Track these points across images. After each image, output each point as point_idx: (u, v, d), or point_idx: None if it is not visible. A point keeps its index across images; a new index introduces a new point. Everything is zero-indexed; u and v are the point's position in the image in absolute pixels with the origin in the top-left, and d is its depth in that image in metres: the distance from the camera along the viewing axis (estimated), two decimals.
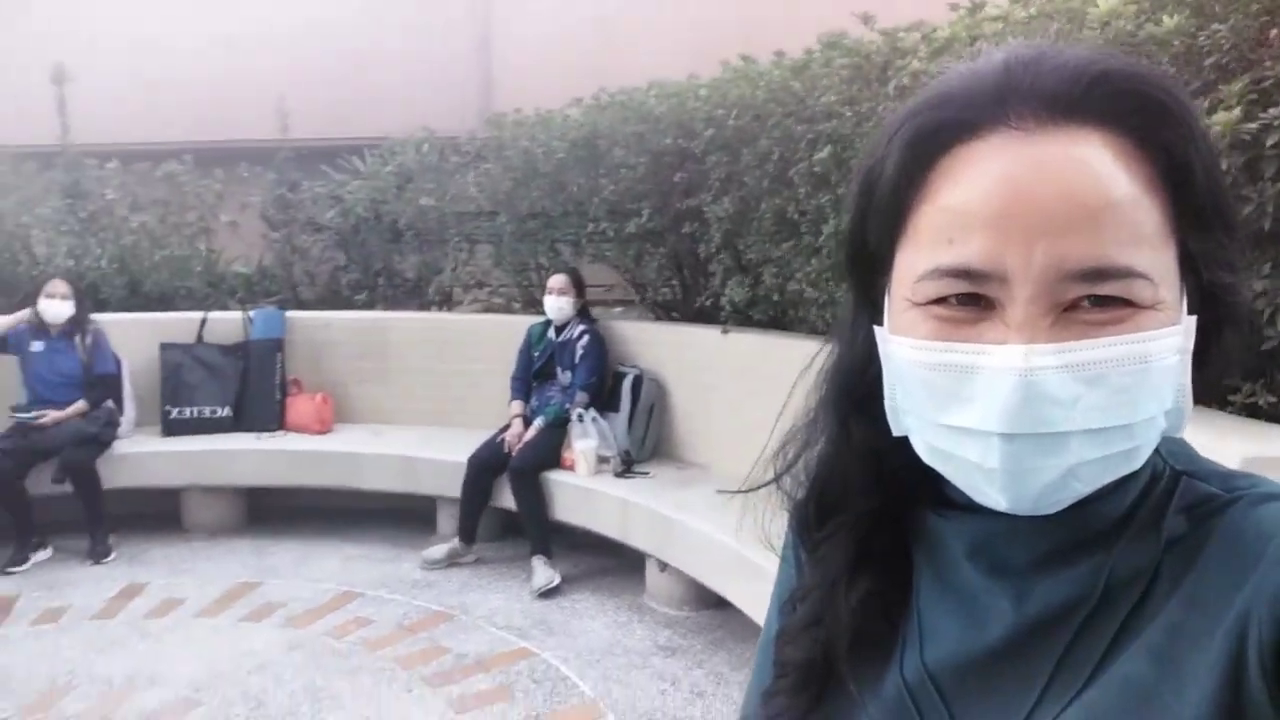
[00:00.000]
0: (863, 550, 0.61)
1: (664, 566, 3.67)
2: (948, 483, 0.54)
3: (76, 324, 4.57)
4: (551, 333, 4.45)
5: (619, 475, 4.03)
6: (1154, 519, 0.52)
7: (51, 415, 4.37)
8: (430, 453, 4.48)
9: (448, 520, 4.42)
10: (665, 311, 4.83)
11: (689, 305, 4.55)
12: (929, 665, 0.57)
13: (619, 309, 5.23)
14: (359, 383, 5.16)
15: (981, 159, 0.48)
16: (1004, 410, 0.46)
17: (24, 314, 4.51)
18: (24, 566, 4.18)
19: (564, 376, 4.38)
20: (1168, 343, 0.48)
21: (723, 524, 3.26)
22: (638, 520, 3.74)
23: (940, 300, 0.49)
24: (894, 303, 0.53)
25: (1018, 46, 0.51)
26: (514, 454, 4.13)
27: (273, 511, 4.85)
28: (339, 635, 3.52)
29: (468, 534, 4.22)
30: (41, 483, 4.26)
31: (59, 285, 4.58)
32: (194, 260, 5.75)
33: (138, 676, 3.17)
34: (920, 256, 0.50)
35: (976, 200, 0.47)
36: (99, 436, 4.46)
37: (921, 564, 0.61)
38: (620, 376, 4.30)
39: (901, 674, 0.58)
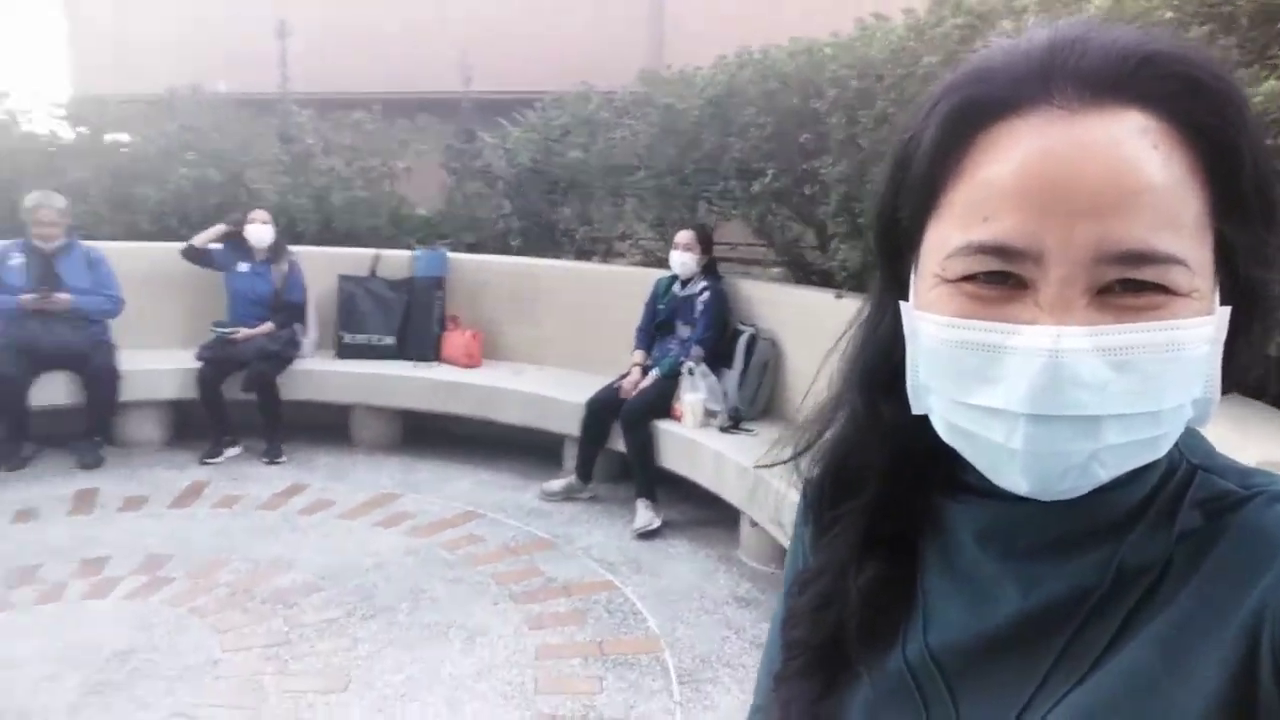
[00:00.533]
0: (873, 533, 0.62)
1: (754, 522, 3.78)
2: (963, 466, 0.54)
3: (275, 253, 5.23)
4: (676, 287, 4.60)
5: (724, 430, 4.15)
6: (1168, 512, 0.52)
7: (244, 332, 5.05)
8: (561, 393, 4.77)
9: (572, 457, 4.72)
10: (787, 272, 4.84)
11: (809, 268, 4.54)
12: (932, 647, 0.57)
13: (745, 268, 5.28)
14: (509, 323, 5.55)
15: (1022, 136, 0.47)
16: (1032, 391, 0.46)
17: (219, 229, 5.19)
18: (218, 459, 4.90)
19: (683, 330, 4.52)
20: (1200, 332, 0.47)
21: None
22: (730, 475, 3.85)
23: (970, 278, 0.49)
24: (922, 279, 0.53)
25: (1064, 24, 0.50)
26: (628, 400, 4.34)
27: (425, 433, 5.36)
28: (451, 548, 3.91)
29: (584, 472, 4.50)
30: (233, 389, 4.96)
31: (260, 213, 5.24)
32: (378, 202, 6.33)
33: (279, 560, 3.69)
34: (953, 232, 0.49)
35: (1015, 177, 0.47)
36: (281, 354, 5.11)
37: (928, 548, 0.61)
38: (737, 334, 4.39)
39: (904, 655, 0.58)
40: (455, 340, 5.38)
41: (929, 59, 3.11)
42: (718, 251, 4.79)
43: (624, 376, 4.52)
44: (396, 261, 5.64)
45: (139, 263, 5.33)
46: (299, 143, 6.54)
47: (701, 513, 4.31)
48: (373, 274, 5.58)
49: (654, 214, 5.31)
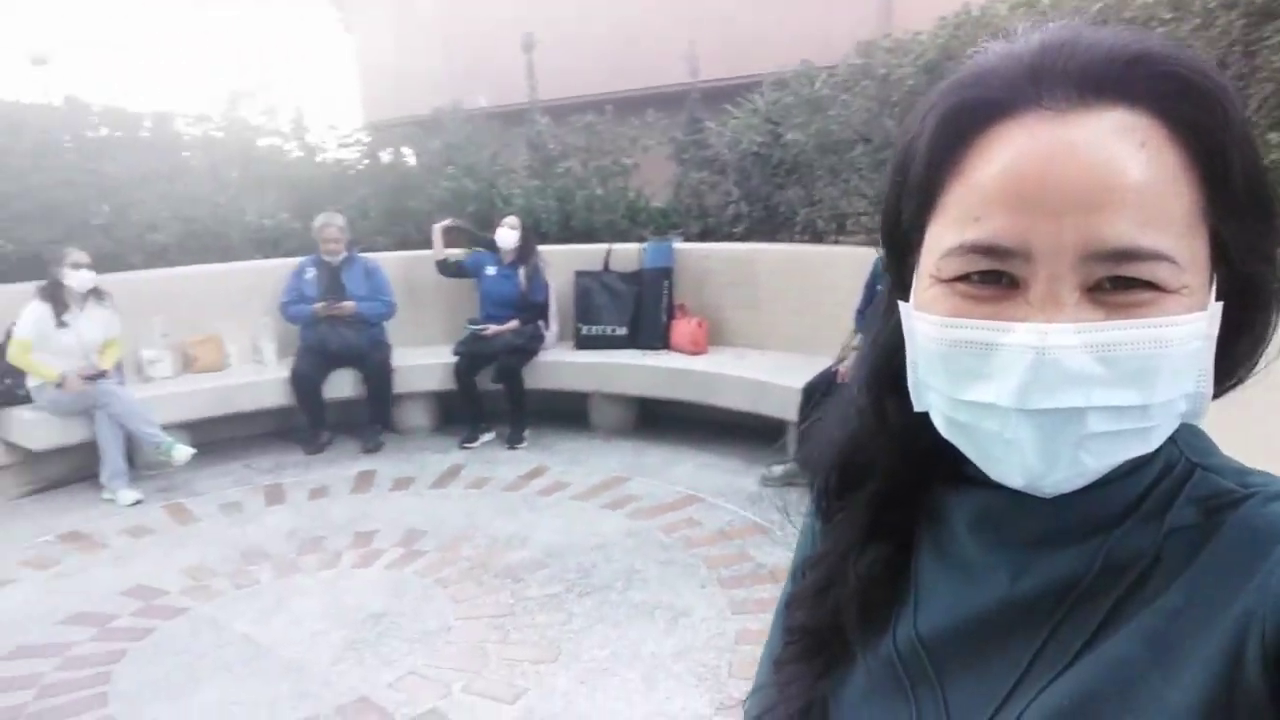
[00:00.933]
0: (877, 522, 0.63)
1: None
2: (964, 460, 0.55)
3: (522, 256, 5.68)
4: None
5: None
6: (1161, 506, 0.52)
7: (493, 329, 5.53)
8: (780, 378, 4.77)
9: (794, 442, 4.70)
10: None
11: None
12: (921, 632, 0.59)
13: None
14: (733, 308, 5.63)
15: (1013, 138, 0.48)
16: (1021, 386, 0.47)
17: (438, 232, 5.72)
18: (475, 444, 5.43)
19: None
20: (1190, 329, 0.47)
21: None
22: None
23: (964, 277, 0.50)
24: (920, 279, 0.54)
25: (1055, 26, 0.51)
26: (845, 383, 4.25)
27: (657, 417, 5.59)
28: (669, 531, 4.07)
29: None
30: (485, 381, 5.46)
31: (510, 219, 5.72)
32: (613, 198, 6.64)
33: (514, 538, 4.05)
34: (947, 233, 0.51)
35: (1004, 178, 0.48)
36: (526, 348, 5.54)
37: (924, 536, 0.62)
38: None
39: (894, 640, 0.60)
40: (682, 328, 5.54)
41: None
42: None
43: (841, 360, 4.43)
44: (627, 255, 5.90)
45: (409, 269, 6.01)
46: (543, 149, 7.01)
47: None
48: (606, 268, 5.88)
49: (875, 190, 5.13)
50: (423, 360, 5.72)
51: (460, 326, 5.71)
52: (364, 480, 4.97)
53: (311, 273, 5.61)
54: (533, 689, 2.86)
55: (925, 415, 0.56)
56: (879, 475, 0.63)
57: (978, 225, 0.48)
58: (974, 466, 0.54)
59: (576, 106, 7.14)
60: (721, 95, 6.77)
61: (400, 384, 5.65)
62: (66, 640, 3.32)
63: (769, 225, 5.98)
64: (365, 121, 10.86)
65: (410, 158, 7.59)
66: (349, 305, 5.50)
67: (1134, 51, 0.48)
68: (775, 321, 5.41)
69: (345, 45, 13.40)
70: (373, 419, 5.60)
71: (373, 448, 5.45)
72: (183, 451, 4.87)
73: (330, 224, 5.60)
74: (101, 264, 5.53)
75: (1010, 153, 0.48)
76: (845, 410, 0.65)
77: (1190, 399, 0.50)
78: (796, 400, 4.48)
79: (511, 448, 5.34)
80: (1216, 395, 0.52)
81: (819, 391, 4.35)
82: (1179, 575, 0.49)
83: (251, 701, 2.87)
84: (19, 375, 4.84)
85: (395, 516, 4.39)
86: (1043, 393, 0.47)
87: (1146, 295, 0.47)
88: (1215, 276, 0.50)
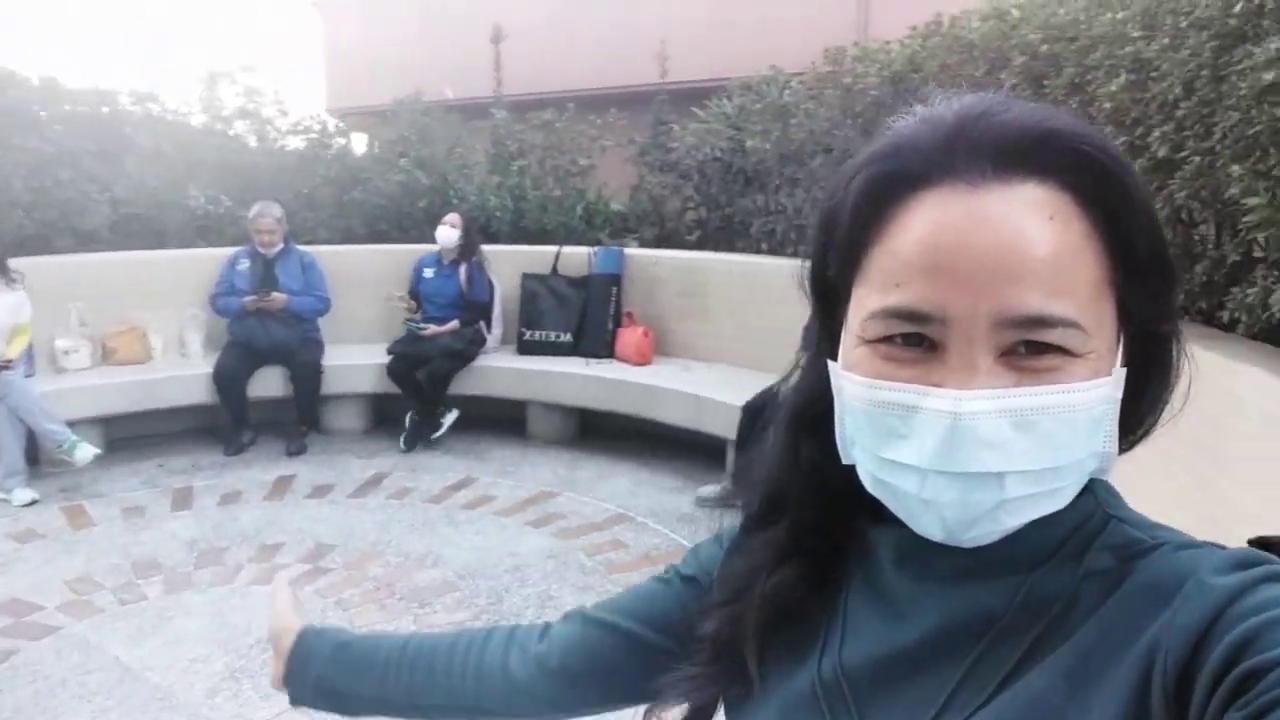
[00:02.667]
0: (793, 547, 0.64)
1: None
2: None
3: (463, 254, 5.43)
4: None
5: None
6: (1079, 550, 0.54)
7: (431, 329, 5.28)
8: (722, 394, 4.56)
9: (732, 461, 4.50)
10: None
11: None
12: (845, 663, 0.59)
13: None
14: (681, 319, 5.41)
15: (929, 208, 0.50)
16: (938, 449, 0.49)
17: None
18: (439, 432, 5.19)
19: None
20: (1098, 393, 0.50)
21: None
22: None
23: (888, 339, 0.52)
24: (848, 336, 0.55)
25: (970, 100, 0.53)
26: None
27: (597, 428, 5.36)
28: (590, 553, 3.84)
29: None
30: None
31: (452, 217, 5.47)
32: (570, 198, 6.40)
33: (427, 556, 3.80)
34: (871, 296, 0.53)
35: (921, 247, 0.50)
36: (464, 353, 5.30)
37: (854, 571, 0.63)
38: None
39: (819, 670, 0.60)
40: (628, 337, 5.32)
41: (1118, 13, 2.59)
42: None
43: (785, 379, 4.22)
44: (577, 258, 5.67)
45: (345, 263, 5.75)
46: (501, 144, 6.76)
47: None
48: (554, 271, 5.65)
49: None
50: (358, 360, 5.47)
51: (393, 326, 5.46)
52: (280, 486, 4.70)
53: (245, 264, 5.34)
54: None
55: (838, 460, 0.58)
56: (795, 509, 0.64)
57: (899, 291, 0.51)
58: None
59: (542, 102, 6.89)
60: (691, 97, 6.55)
61: (331, 384, 5.40)
62: None
63: (726, 233, 5.78)
64: (328, 108, 10.58)
65: (360, 147, 7.33)
66: (279, 298, 5.23)
67: (1045, 129, 0.51)
68: (724, 334, 5.20)
69: (313, 28, 13.07)
70: (299, 420, 5.34)
71: (297, 450, 5.18)
72: (85, 451, 4.58)
73: (266, 214, 5.32)
74: (25, 247, 5.24)
75: (927, 223, 0.50)
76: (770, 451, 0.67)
77: (1098, 457, 0.53)
78: (737, 418, 4.28)
79: (407, 450, 5.14)
80: (1122, 450, 0.55)
81: (759, 412, 4.15)
82: (1091, 616, 0.52)
83: None
84: None
85: (305, 527, 4.13)
86: (960, 456, 0.49)
87: (1056, 360, 0.49)
88: (1122, 337, 0.53)
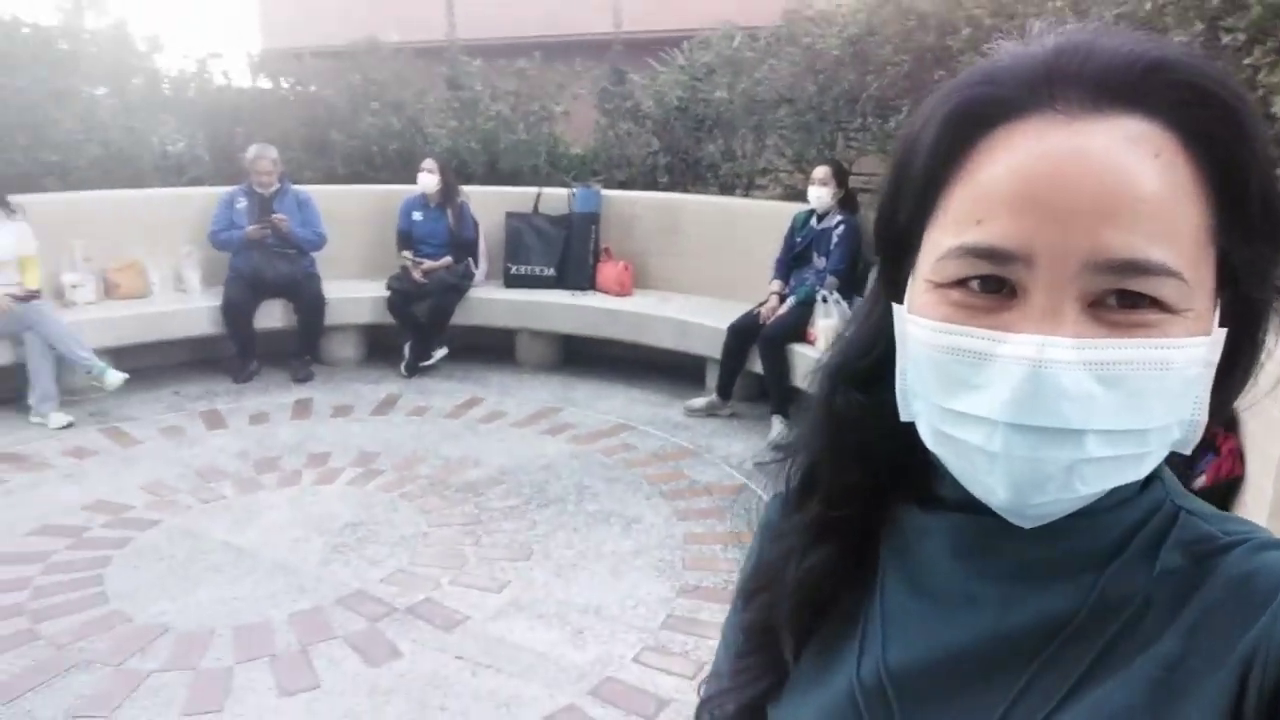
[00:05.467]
0: (828, 526, 0.61)
1: None
2: (941, 479, 0.54)
3: (447, 197, 5.86)
4: (814, 220, 4.91)
5: None
6: (1150, 547, 0.51)
7: (426, 264, 5.73)
8: (704, 319, 5.21)
9: (714, 377, 5.16)
10: None
11: None
12: (890, 667, 0.56)
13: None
14: (656, 254, 6.01)
15: (1022, 140, 0.46)
16: (1015, 400, 0.45)
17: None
18: (431, 360, 5.67)
19: (819, 261, 4.85)
20: (1193, 353, 0.46)
21: None
22: None
23: (962, 284, 0.48)
24: (916, 283, 0.52)
25: (1072, 30, 0.49)
26: (766, 326, 4.74)
27: (581, 355, 5.94)
28: (608, 454, 4.47)
29: (725, 390, 4.95)
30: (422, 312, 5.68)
31: (429, 162, 5.87)
32: (538, 143, 6.86)
33: (465, 459, 4.35)
34: (947, 235, 0.49)
35: (1010, 180, 0.46)
36: (458, 286, 5.78)
37: (892, 562, 0.60)
38: (869, 265, 4.67)
39: (858, 674, 0.57)
40: (608, 271, 5.89)
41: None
42: (854, 184, 5.04)
43: (763, 304, 4.90)
44: (556, 199, 6.17)
45: (336, 203, 6.09)
46: (468, 89, 7.13)
47: None
48: (535, 210, 6.14)
49: (794, 149, 5.59)
50: (353, 294, 5.86)
51: (390, 263, 5.87)
52: (302, 407, 5.13)
53: (243, 202, 5.63)
54: (514, 581, 3.23)
55: (882, 421, 0.55)
56: (834, 474, 0.60)
57: (979, 228, 0.47)
58: (949, 486, 0.53)
59: (501, 49, 7.27)
60: (643, 48, 7.06)
61: (330, 316, 5.78)
62: (43, 549, 3.44)
63: (689, 177, 6.37)
64: (264, 48, 10.54)
65: (314, 89, 7.53)
66: (282, 218, 5.54)
67: (1153, 58, 0.46)
68: (698, 267, 5.83)
69: None
70: (302, 349, 5.72)
71: (303, 377, 5.59)
72: (115, 376, 4.89)
73: (264, 155, 5.61)
74: (16, 184, 5.38)
75: (1018, 155, 0.46)
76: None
77: (1184, 426, 0.48)
78: (719, 338, 4.94)
79: (409, 376, 5.67)
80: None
81: (742, 331, 4.82)
82: (1170, 621, 0.48)
83: (250, 597, 3.12)
84: None
85: (342, 440, 4.60)
86: (1037, 409, 0.45)
87: (1152, 316, 0.45)
88: (1219, 300, 0.48)
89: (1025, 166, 0.46)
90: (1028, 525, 0.50)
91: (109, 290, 5.56)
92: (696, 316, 5.30)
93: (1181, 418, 0.48)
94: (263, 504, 3.86)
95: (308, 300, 5.64)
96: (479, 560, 3.37)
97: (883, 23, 4.61)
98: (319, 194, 6.05)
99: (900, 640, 0.57)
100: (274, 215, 5.52)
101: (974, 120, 0.48)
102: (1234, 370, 0.51)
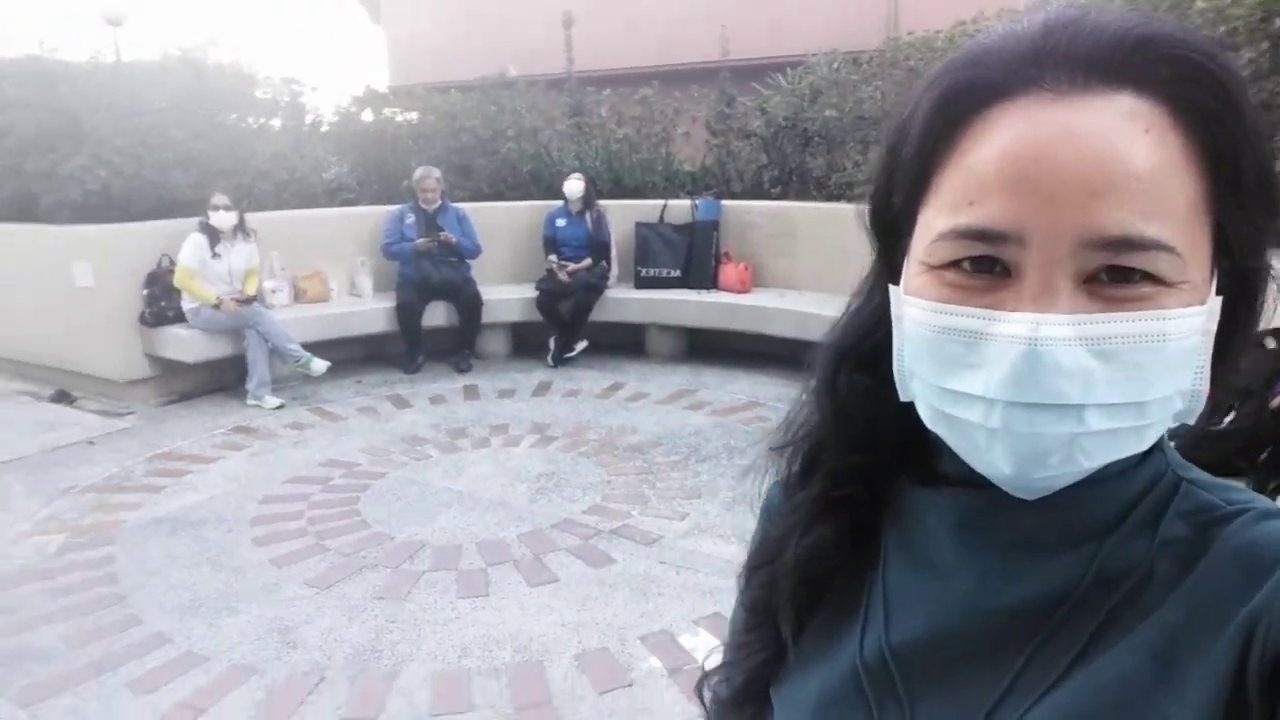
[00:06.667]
0: (829, 502, 0.62)
1: None
2: (942, 456, 0.55)
3: (587, 204, 6.63)
4: None
5: None
6: (1151, 517, 0.52)
7: (571, 266, 6.50)
8: (821, 310, 5.84)
9: None
10: None
11: None
12: (893, 644, 0.56)
13: None
14: (772, 256, 6.68)
15: (1012, 120, 0.46)
16: (1013, 378, 0.45)
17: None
18: (573, 353, 6.43)
19: None
20: (1190, 323, 0.46)
21: None
22: None
23: (955, 265, 0.48)
24: (911, 265, 0.52)
25: (1060, 8, 0.49)
26: None
27: (704, 347, 6.63)
28: (746, 423, 5.13)
29: None
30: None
31: (576, 173, 6.67)
32: (657, 162, 7.62)
33: (624, 428, 5.06)
34: (940, 217, 0.49)
35: (1001, 161, 0.46)
36: (597, 285, 6.53)
37: (893, 540, 0.61)
38: None
39: (861, 651, 0.58)
40: (730, 271, 6.57)
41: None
42: None
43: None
44: (677, 209, 6.90)
45: (484, 217, 6.91)
46: (590, 116, 7.94)
47: None
48: (661, 220, 6.88)
49: None
50: (504, 296, 6.66)
51: (533, 269, 6.67)
52: (471, 391, 5.91)
53: (411, 218, 6.48)
54: (691, 513, 3.90)
55: (886, 401, 0.56)
56: (836, 454, 0.62)
57: (972, 209, 0.47)
58: (951, 462, 0.53)
59: (610, 79, 8.07)
60: (748, 73, 7.78)
61: (485, 315, 6.58)
62: (303, 493, 4.24)
63: (795, 188, 7.04)
64: (391, 85, 11.59)
65: (458, 121, 8.42)
66: (449, 235, 6.38)
67: (1141, 34, 0.46)
68: (810, 268, 6.48)
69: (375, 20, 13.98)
70: (463, 344, 6.53)
71: (465, 368, 6.39)
72: (320, 364, 5.75)
73: (429, 175, 6.47)
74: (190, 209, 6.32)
75: (1008, 135, 0.46)
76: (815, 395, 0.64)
77: (1186, 396, 0.49)
78: None
79: (555, 365, 6.43)
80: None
81: None
82: (1173, 589, 0.49)
83: (481, 524, 3.85)
84: (172, 298, 5.66)
85: (514, 415, 5.36)
86: (1035, 386, 0.45)
87: (1146, 289, 0.45)
88: (1215, 271, 0.48)
89: (1015, 147, 0.46)
90: (1031, 497, 0.50)
91: (297, 295, 6.46)
92: (812, 308, 5.93)
93: (1182, 388, 0.48)
94: (465, 461, 4.62)
95: (468, 301, 6.45)
96: (658, 498, 4.06)
97: None
98: (469, 209, 6.90)
99: (903, 618, 0.57)
100: (440, 231, 6.36)
101: (964, 102, 0.48)
102: (1234, 338, 0.50)
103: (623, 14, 10.08)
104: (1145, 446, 0.49)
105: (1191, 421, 0.50)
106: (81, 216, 5.78)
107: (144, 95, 6.05)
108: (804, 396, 0.65)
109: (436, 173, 6.55)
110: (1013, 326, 0.45)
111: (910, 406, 0.54)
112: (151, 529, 3.88)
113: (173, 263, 5.63)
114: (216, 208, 5.67)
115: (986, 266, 0.47)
